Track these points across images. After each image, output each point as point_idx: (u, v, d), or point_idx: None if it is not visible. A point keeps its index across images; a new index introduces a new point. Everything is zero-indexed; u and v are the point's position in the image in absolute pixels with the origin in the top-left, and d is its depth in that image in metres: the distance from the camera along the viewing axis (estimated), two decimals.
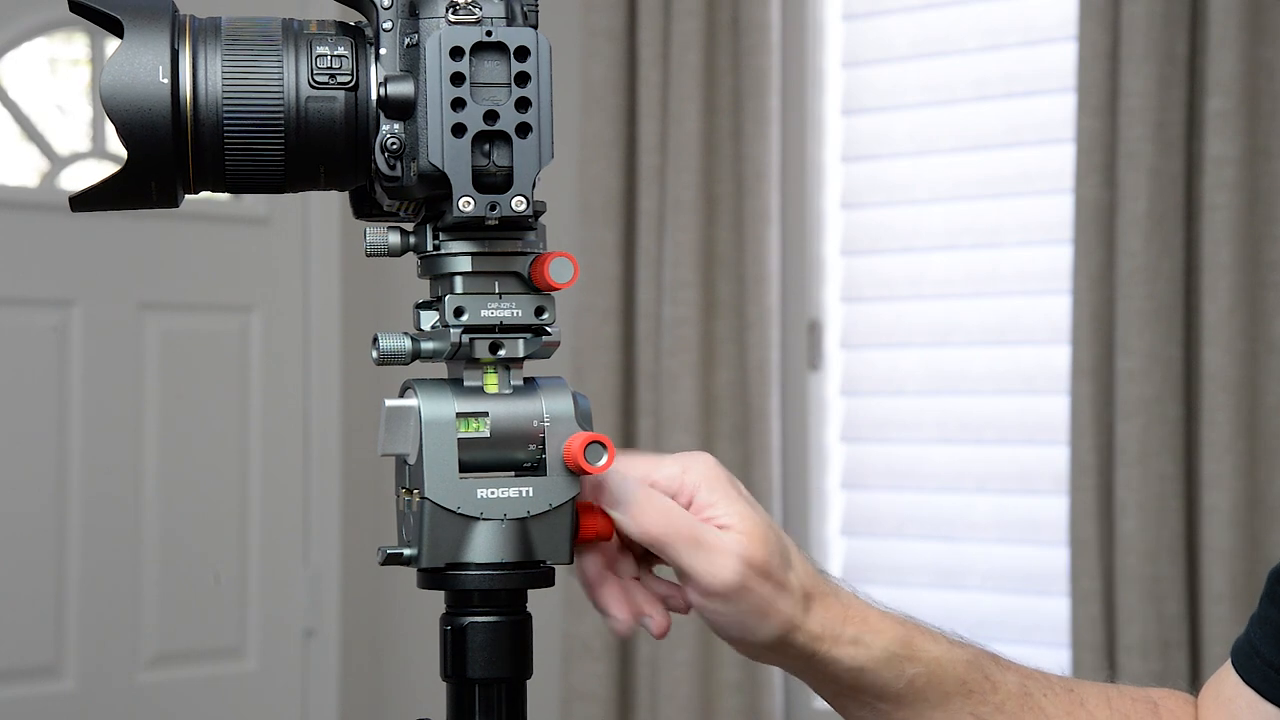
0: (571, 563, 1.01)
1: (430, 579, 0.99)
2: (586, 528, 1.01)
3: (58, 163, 3.48)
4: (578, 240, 3.29)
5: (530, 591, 1.00)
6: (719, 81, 3.22)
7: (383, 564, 0.99)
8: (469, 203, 0.95)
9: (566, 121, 3.37)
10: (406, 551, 0.99)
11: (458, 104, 0.94)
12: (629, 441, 3.27)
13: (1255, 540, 2.67)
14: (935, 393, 3.15)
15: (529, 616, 1.00)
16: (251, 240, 3.62)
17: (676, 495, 1.01)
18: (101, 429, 3.42)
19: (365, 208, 1.02)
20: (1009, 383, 3.07)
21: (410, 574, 1.00)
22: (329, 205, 3.64)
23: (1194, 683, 2.71)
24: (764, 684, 3.15)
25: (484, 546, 0.98)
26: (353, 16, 0.99)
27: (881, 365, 3.22)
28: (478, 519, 0.98)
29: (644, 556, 1.05)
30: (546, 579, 1.00)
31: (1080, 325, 2.78)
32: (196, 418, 3.56)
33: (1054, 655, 2.85)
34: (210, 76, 0.95)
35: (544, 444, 0.99)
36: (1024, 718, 1.06)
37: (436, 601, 1.01)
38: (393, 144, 0.95)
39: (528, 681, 1.00)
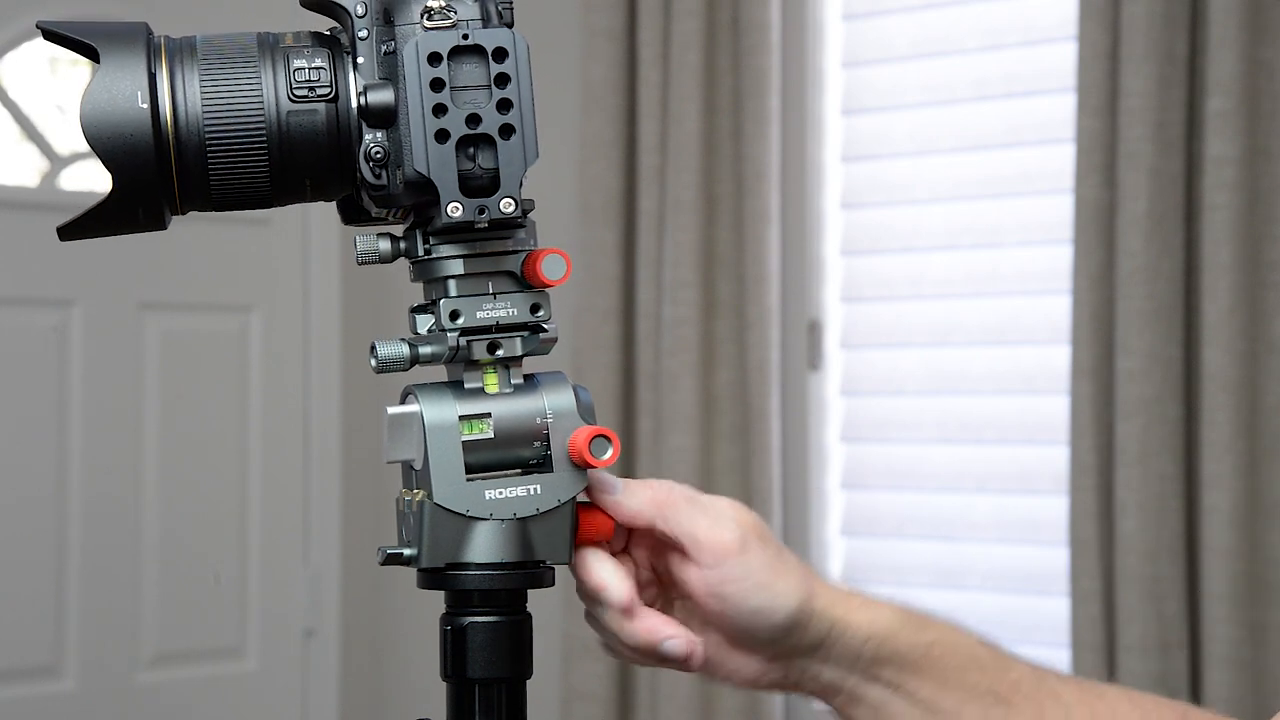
0: (570, 562, 1.01)
1: (430, 579, 0.99)
2: (586, 528, 1.01)
3: (58, 163, 3.48)
4: (578, 240, 3.29)
5: (530, 591, 1.00)
6: (719, 81, 3.22)
7: (383, 564, 1.00)
8: (457, 208, 0.95)
9: (566, 121, 3.37)
10: (406, 551, 0.99)
11: (439, 109, 0.94)
12: (629, 441, 3.27)
13: (1255, 540, 2.67)
14: (935, 393, 3.15)
15: (529, 616, 1.00)
16: (251, 240, 3.62)
17: None
18: (101, 429, 3.42)
19: (353, 214, 1.02)
20: (1009, 383, 3.07)
21: (410, 574, 1.00)
22: (328, 205, 3.64)
23: (1194, 682, 2.72)
24: None
25: (484, 546, 0.98)
26: (326, 24, 0.99)
27: (881, 365, 3.22)
28: (485, 519, 0.98)
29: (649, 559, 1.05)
30: (546, 579, 1.00)
31: (1080, 325, 2.78)
32: (196, 418, 3.56)
33: (1054, 655, 2.85)
34: (189, 97, 0.95)
35: (548, 440, 0.99)
36: (1042, 700, 1.04)
37: (436, 601, 1.01)
38: (377, 153, 0.95)
39: (528, 681, 1.00)
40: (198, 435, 3.56)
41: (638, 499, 1.00)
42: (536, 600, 1.00)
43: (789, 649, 1.02)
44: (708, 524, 1.00)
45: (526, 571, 0.99)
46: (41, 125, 3.47)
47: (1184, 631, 2.70)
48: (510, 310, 0.99)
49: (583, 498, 1.02)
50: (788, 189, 3.24)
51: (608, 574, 1.00)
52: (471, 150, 0.95)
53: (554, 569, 1.00)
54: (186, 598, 3.53)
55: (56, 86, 3.61)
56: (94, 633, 3.40)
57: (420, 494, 0.99)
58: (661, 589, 1.05)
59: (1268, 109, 2.68)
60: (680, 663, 1.00)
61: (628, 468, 3.20)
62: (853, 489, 3.24)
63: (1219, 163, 2.66)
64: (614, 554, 1.02)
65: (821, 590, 1.01)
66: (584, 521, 1.01)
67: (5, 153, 3.49)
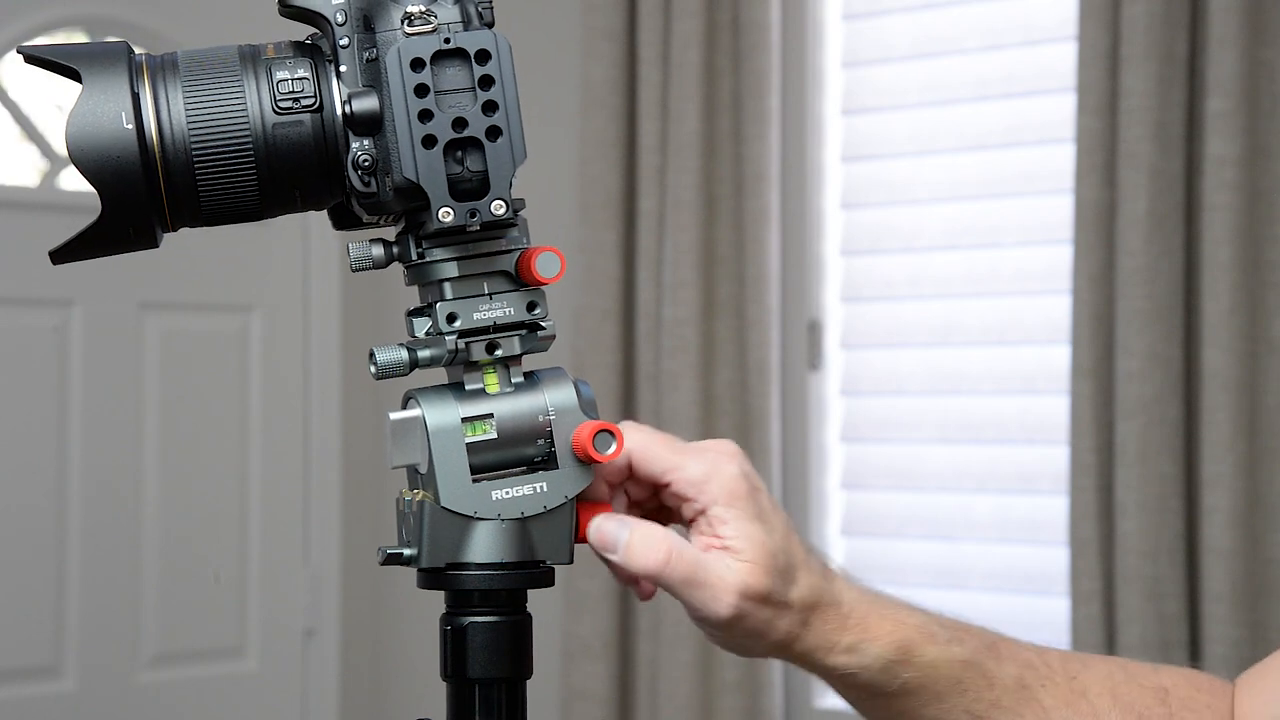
0: (571, 562, 1.01)
1: (430, 579, 0.99)
2: (586, 526, 1.01)
3: (58, 163, 3.48)
4: (578, 240, 3.29)
5: (530, 591, 1.00)
6: (719, 81, 3.22)
7: (383, 564, 1.00)
8: (449, 213, 0.95)
9: (566, 121, 3.37)
10: (406, 551, 0.99)
11: (425, 115, 0.94)
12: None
13: (1255, 540, 2.68)
14: (935, 393, 3.15)
15: (529, 616, 1.00)
16: (251, 240, 3.62)
17: (693, 500, 1.01)
18: (101, 429, 3.42)
19: (344, 220, 1.02)
20: (1009, 383, 3.07)
21: (410, 574, 1.00)
22: None
23: None
24: (764, 684, 3.15)
25: (484, 546, 0.98)
26: (304, 31, 0.99)
27: (881, 365, 3.22)
28: (492, 519, 0.98)
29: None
30: (546, 579, 1.00)
31: (1080, 325, 2.78)
32: (196, 418, 3.56)
33: None
34: (174, 115, 0.95)
35: (552, 437, 1.00)
36: (1022, 711, 1.07)
37: (436, 601, 1.01)
38: (365, 161, 0.96)
39: (528, 681, 1.00)
40: (198, 435, 3.56)
41: (636, 566, 1.00)
42: (536, 600, 1.00)
43: (773, 656, 1.06)
44: (703, 600, 1.00)
45: (527, 571, 0.99)
46: (41, 125, 3.48)
47: (1184, 631, 2.70)
48: (507, 310, 0.99)
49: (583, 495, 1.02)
50: (788, 189, 3.24)
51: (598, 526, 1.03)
52: (459, 154, 0.95)
53: (554, 569, 1.00)
54: (186, 598, 3.53)
55: (56, 86, 3.61)
56: (94, 633, 3.40)
57: (420, 494, 0.99)
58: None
59: (1268, 109, 2.68)
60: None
61: None
62: (853, 489, 3.24)
63: (1219, 163, 2.67)
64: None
65: (810, 636, 1.02)
66: (584, 520, 1.01)
67: (5, 153, 3.49)
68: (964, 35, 3.11)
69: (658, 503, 1.05)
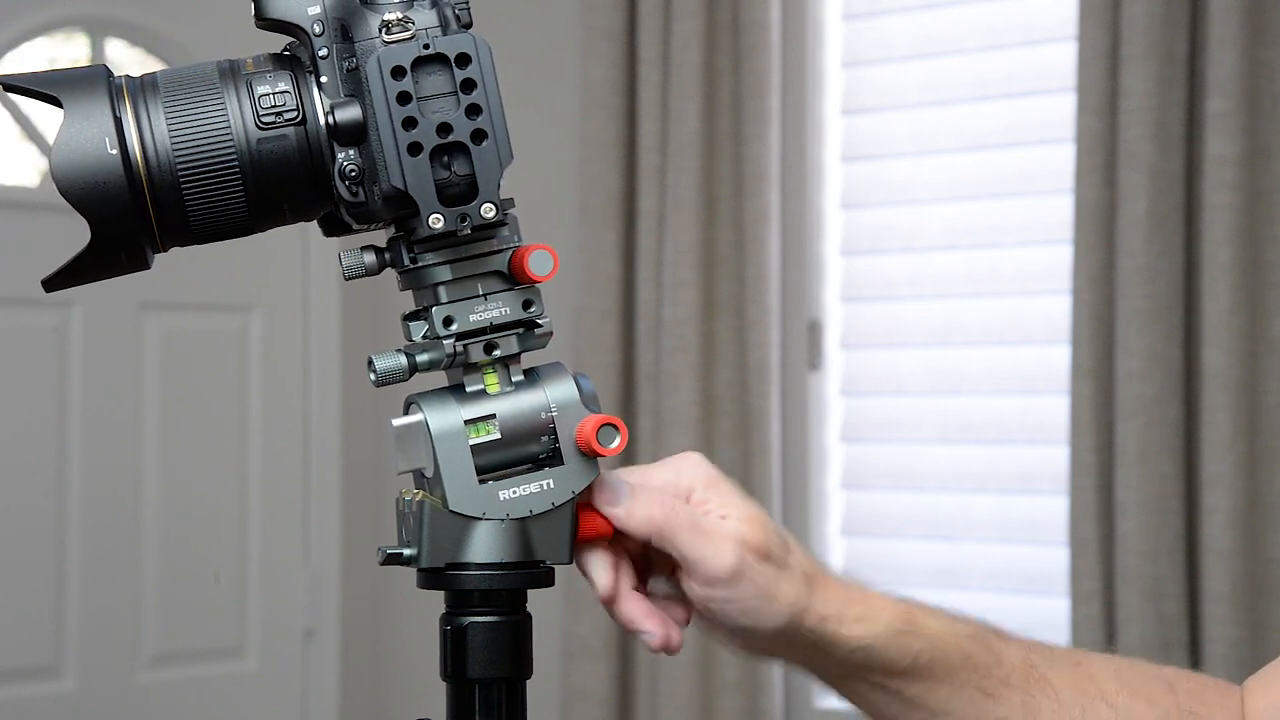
0: (571, 562, 1.01)
1: (430, 579, 0.99)
2: (586, 527, 1.01)
3: None
4: (577, 240, 3.29)
5: (530, 591, 1.00)
6: (719, 81, 3.22)
7: (383, 564, 1.00)
8: (439, 219, 0.95)
9: (566, 121, 3.37)
10: (406, 552, 0.99)
11: (409, 123, 0.94)
12: (629, 442, 3.27)
13: (1255, 540, 2.68)
14: (935, 393, 3.15)
15: (529, 616, 1.00)
16: (251, 241, 3.59)
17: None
18: (101, 429, 3.42)
19: (334, 227, 1.02)
20: (1009, 383, 3.07)
21: (410, 574, 1.00)
22: None
23: None
24: (764, 684, 3.15)
25: (484, 546, 0.98)
26: (282, 41, 0.98)
27: (881, 365, 3.22)
28: (497, 519, 0.98)
29: (643, 567, 1.05)
30: (546, 579, 1.00)
31: (1080, 325, 2.78)
32: (196, 418, 3.56)
33: None
34: (157, 136, 0.95)
35: (555, 433, 1.00)
36: (1030, 690, 1.07)
37: (436, 601, 1.01)
38: (351, 171, 0.95)
39: (528, 681, 1.00)
40: (198, 435, 3.56)
41: (639, 518, 1.00)
42: (536, 600, 1.00)
43: (780, 650, 1.05)
44: (706, 551, 1.00)
45: (526, 571, 0.99)
46: (41, 125, 3.47)
47: (1184, 631, 2.70)
48: (503, 310, 0.99)
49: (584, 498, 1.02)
50: (788, 189, 3.24)
51: (591, 565, 1.03)
52: (446, 159, 0.95)
53: (553, 569, 1.00)
54: (186, 598, 3.53)
55: None
56: (94, 633, 3.40)
57: (421, 494, 0.99)
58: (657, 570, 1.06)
59: (1268, 109, 2.68)
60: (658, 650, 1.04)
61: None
62: (853, 489, 3.24)
63: (1219, 163, 2.67)
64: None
65: (818, 603, 1.02)
66: (584, 520, 1.01)
67: (5, 153, 3.49)
68: (964, 35, 3.12)
69: (644, 553, 1.05)
